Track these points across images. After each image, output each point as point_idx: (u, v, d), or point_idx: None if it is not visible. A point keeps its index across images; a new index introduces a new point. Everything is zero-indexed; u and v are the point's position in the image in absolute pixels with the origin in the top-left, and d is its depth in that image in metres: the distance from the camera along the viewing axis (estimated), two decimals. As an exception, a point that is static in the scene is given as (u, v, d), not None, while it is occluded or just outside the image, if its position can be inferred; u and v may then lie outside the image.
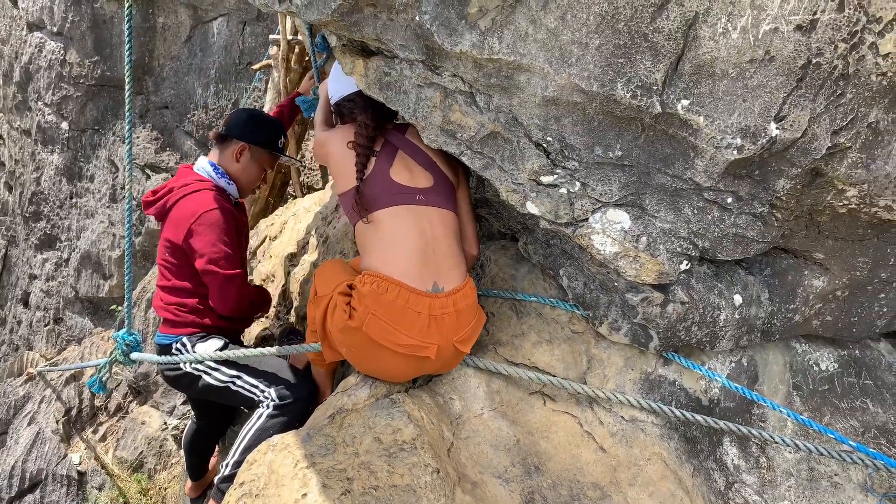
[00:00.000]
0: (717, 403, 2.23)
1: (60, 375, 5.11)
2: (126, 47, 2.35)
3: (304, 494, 1.62)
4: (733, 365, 2.27)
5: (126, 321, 2.67)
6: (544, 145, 1.93)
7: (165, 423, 4.43)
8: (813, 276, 2.18)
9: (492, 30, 1.74)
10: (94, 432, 4.81)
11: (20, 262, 8.84)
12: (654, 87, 1.76)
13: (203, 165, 2.64)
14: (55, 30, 7.55)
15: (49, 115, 7.96)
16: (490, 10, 1.71)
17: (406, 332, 1.96)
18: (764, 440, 2.17)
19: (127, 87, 2.43)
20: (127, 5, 2.28)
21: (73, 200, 8.29)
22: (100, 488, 4.50)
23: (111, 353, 2.74)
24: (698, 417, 2.07)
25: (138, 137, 7.58)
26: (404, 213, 2.07)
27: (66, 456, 4.67)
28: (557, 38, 1.73)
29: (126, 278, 2.60)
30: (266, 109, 4.52)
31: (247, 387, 2.39)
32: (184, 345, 2.49)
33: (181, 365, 2.46)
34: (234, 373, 2.42)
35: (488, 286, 2.45)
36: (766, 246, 2.03)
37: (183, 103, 7.33)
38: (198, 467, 3.13)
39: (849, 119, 1.79)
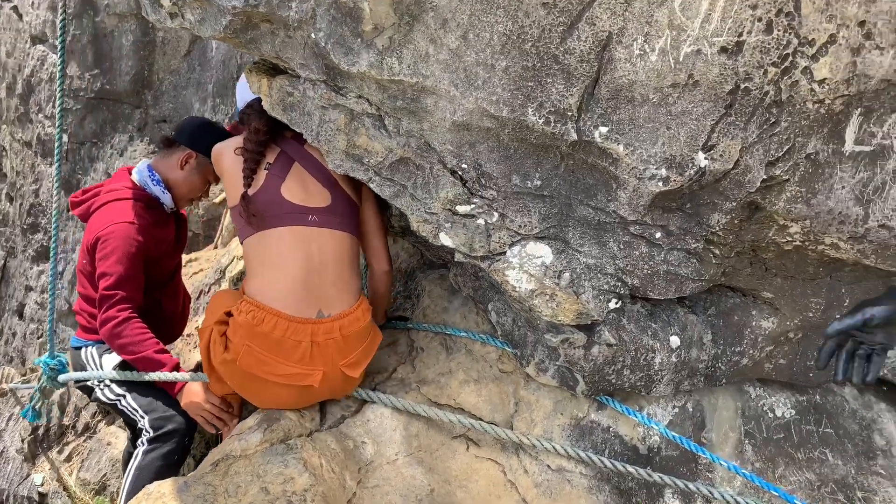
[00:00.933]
0: (658, 452, 2.05)
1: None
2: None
3: (168, 553, 1.48)
4: (676, 410, 2.10)
5: (49, 344, 2.57)
6: (460, 173, 1.79)
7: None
8: (761, 316, 2.01)
9: (390, 49, 1.61)
10: (60, 452, 4.71)
11: (18, 273, 8.86)
12: (569, 113, 1.62)
13: (141, 171, 2.53)
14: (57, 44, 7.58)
15: (49, 127, 7.98)
16: (386, 29, 1.58)
17: (285, 361, 1.87)
18: (709, 496, 2.00)
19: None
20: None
21: (70, 213, 8.30)
22: (59, 511, 4.39)
23: (39, 379, 2.64)
24: (630, 469, 1.90)
25: (135, 150, 7.58)
26: (292, 235, 1.95)
27: (28, 476, 4.57)
28: (461, 58, 1.60)
29: (49, 300, 2.50)
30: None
31: (129, 409, 2.29)
32: (91, 353, 2.41)
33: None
34: (121, 392, 2.31)
35: (420, 318, 2.31)
36: (703, 284, 1.87)
37: (181, 117, 7.31)
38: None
39: (785, 149, 1.63)
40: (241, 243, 2.05)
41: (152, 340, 2.24)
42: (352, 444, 1.91)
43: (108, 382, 2.33)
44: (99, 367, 2.40)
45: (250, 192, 2.00)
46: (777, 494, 1.91)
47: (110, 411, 2.53)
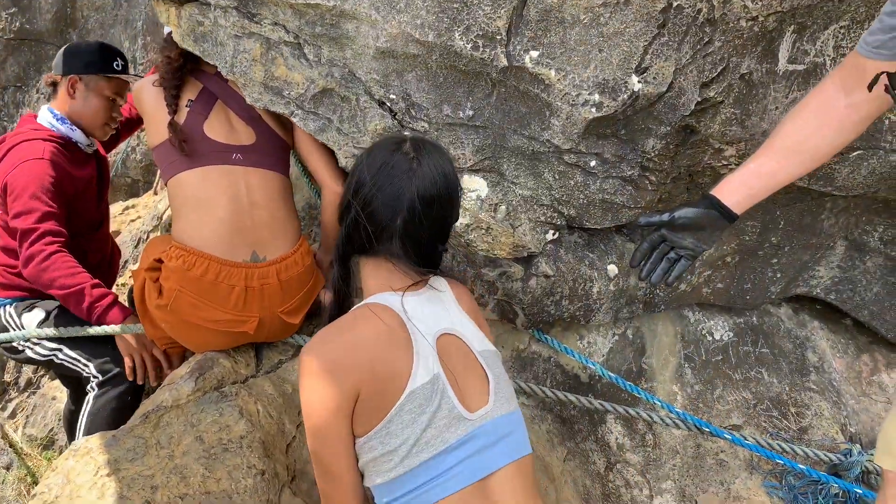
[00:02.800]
0: (599, 379, 2.08)
1: (-31, 350, 4.86)
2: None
3: (98, 508, 1.44)
4: (617, 337, 2.11)
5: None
6: (388, 104, 1.71)
7: (76, 399, 4.24)
8: (698, 242, 2.01)
9: (303, -30, 1.49)
10: (3, 409, 4.59)
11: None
12: (498, 37, 1.54)
13: (44, 114, 2.40)
14: (-31, -19, 7.03)
15: (-36, 71, 7.49)
16: (297, -53, 1.46)
17: (219, 307, 1.81)
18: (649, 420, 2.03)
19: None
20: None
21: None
22: (7, 468, 4.30)
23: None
24: (572, 397, 1.92)
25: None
26: (216, 174, 1.86)
27: (-29, 435, 4.45)
28: (380, -21, 1.49)
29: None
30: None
31: (69, 360, 2.20)
32: (8, 312, 2.29)
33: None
34: (54, 346, 2.21)
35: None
36: (640, 211, 1.85)
37: (110, 57, 6.94)
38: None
39: (719, 70, 1.59)
40: (166, 185, 1.95)
41: (86, 274, 2.13)
42: (290, 388, 1.88)
43: (36, 340, 2.22)
44: (19, 326, 2.29)
45: (174, 118, 1.89)
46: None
47: (46, 368, 2.42)
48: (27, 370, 4.78)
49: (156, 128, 1.93)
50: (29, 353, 2.27)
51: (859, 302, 2.24)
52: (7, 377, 4.82)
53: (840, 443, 2.10)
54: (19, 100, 7.72)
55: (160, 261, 1.87)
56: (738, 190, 1.39)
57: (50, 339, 2.22)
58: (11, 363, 4.86)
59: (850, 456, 1.98)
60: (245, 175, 1.89)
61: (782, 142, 1.36)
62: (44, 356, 2.26)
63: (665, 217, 1.43)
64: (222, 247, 1.85)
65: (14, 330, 2.28)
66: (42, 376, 4.85)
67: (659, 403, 1.94)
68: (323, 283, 2.05)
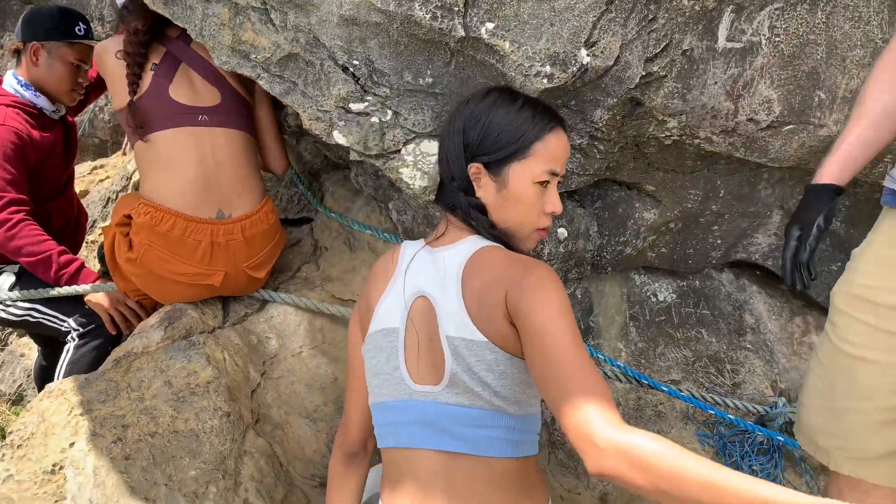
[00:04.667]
0: (549, 336, 2.21)
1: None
2: None
3: (72, 444, 1.54)
4: (567, 298, 2.24)
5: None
6: (351, 69, 1.79)
7: (45, 355, 4.28)
8: (644, 208, 2.15)
9: (269, -62, 1.56)
10: (-29, 366, 4.60)
11: None
12: (456, 8, 1.63)
13: (8, 80, 2.41)
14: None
15: (-77, 24, 7.29)
16: (264, -85, 1.53)
17: (186, 261, 1.91)
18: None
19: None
20: None
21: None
22: (-24, 422, 4.35)
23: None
24: (522, 352, 2.05)
25: (27, 51, 7.06)
26: (182, 136, 1.94)
27: (-61, 390, 4.48)
28: (344, -51, 1.57)
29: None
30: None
31: (46, 318, 2.28)
32: None
33: None
34: (28, 306, 2.29)
35: (324, 220, 2.34)
36: (589, 178, 1.97)
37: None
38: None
39: (662, 46, 1.70)
40: (132, 147, 2.01)
41: (52, 242, 2.20)
42: (255, 340, 1.98)
43: (9, 302, 2.28)
44: None
45: (137, 95, 1.95)
46: (648, 383, 2.09)
47: (19, 328, 2.47)
48: (-5, 327, 4.80)
49: (121, 94, 1.98)
50: (2, 314, 2.32)
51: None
52: (-26, 334, 4.83)
53: (769, 396, 2.27)
54: (-17, 58, 7.56)
55: (129, 217, 1.95)
56: (846, 167, 1.44)
57: (23, 301, 2.28)
58: (-22, 321, 4.86)
59: (776, 408, 2.15)
60: (210, 135, 1.96)
61: (872, 108, 1.41)
62: (18, 317, 2.31)
63: (815, 235, 1.44)
64: (189, 204, 1.93)
65: None
66: (10, 334, 4.87)
67: (603, 357, 2.08)
68: (285, 238, 2.15)
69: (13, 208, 2.17)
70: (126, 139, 5.24)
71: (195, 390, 1.70)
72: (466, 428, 1.22)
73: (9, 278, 2.31)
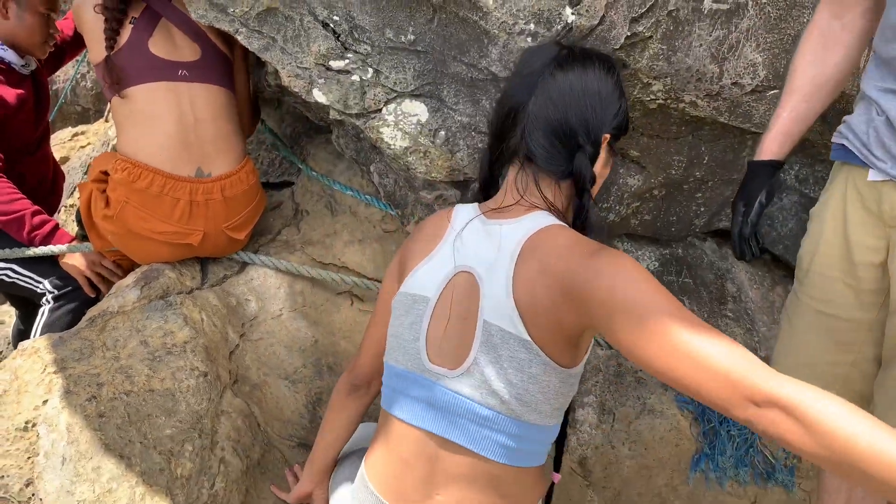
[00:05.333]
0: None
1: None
2: None
3: (45, 401, 1.52)
4: (549, 264, 2.24)
5: None
6: (332, 25, 1.75)
7: (24, 323, 4.24)
8: (628, 174, 2.13)
9: None
10: (-50, 333, 4.55)
11: None
12: (438, -38, 1.60)
13: None
14: None
15: None
16: None
17: (164, 219, 1.88)
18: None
19: None
20: None
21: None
22: (-44, 390, 4.31)
23: None
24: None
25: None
26: (161, 90, 1.91)
27: (-83, 358, 4.43)
28: None
29: None
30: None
31: (22, 278, 2.24)
32: None
33: None
34: (3, 266, 2.25)
35: (304, 182, 2.32)
36: (573, 142, 1.95)
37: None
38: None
39: (648, 6, 1.67)
40: (109, 102, 1.97)
41: (26, 201, 2.15)
42: (234, 301, 1.96)
43: None
44: None
45: (114, 49, 1.91)
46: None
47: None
48: (-26, 295, 4.74)
49: (97, 49, 1.94)
50: None
51: (776, 237, 2.40)
52: (-48, 302, 4.77)
53: (748, 364, 2.29)
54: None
55: (106, 173, 1.91)
56: (784, 142, 1.52)
57: None
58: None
59: (755, 375, 2.16)
60: (190, 90, 1.93)
61: (801, 81, 1.49)
62: None
63: (757, 211, 1.52)
64: (168, 161, 1.90)
65: None
66: (-10, 301, 4.81)
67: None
68: (266, 201, 2.12)
69: None
70: (108, 107, 5.16)
71: (171, 350, 1.68)
72: (471, 423, 1.15)
73: None
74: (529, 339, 1.10)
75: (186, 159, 1.93)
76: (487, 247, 1.19)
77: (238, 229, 2.02)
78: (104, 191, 1.92)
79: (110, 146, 3.87)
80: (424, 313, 1.22)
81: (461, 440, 1.16)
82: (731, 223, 1.58)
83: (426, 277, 1.24)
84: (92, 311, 1.80)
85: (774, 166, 1.52)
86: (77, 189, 3.02)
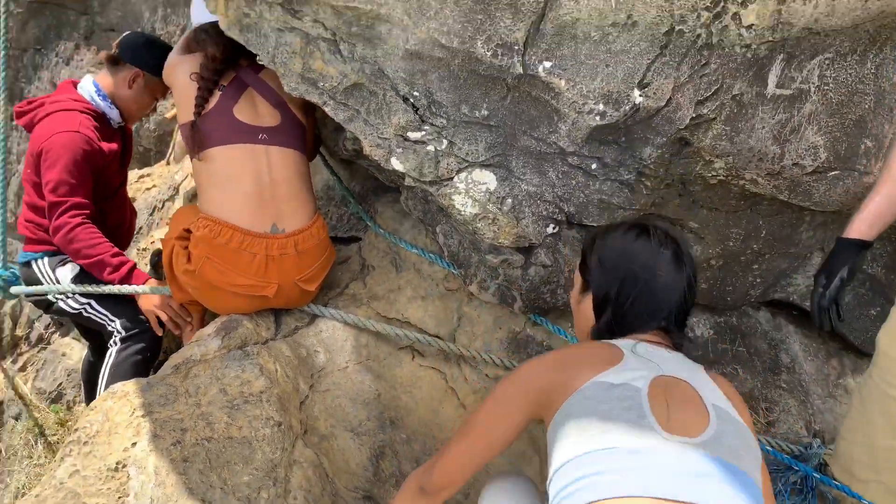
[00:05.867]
0: (587, 365, 2.26)
1: (-17, 304, 5.03)
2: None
3: (134, 444, 1.62)
4: (605, 328, 2.29)
5: (1, 255, 2.62)
6: (411, 100, 1.88)
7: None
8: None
9: (346, -24, 1.66)
10: (14, 362, 4.77)
11: (-40, 183, 8.62)
12: (516, 47, 1.71)
13: (85, 85, 2.55)
14: (-9, -60, 7.15)
15: (-13, 31, 7.61)
16: (342, -45, 1.63)
17: (242, 273, 2.01)
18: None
19: None
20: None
21: (14, 123, 8.04)
22: (17, 418, 4.49)
23: (-9, 289, 2.69)
24: (560, 379, 2.10)
25: (82, 60, 7.32)
26: (241, 152, 2.07)
27: (-18, 384, 4.63)
28: (414, -12, 1.66)
29: (0, 211, 2.55)
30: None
31: (97, 314, 2.42)
32: (42, 266, 2.47)
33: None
34: (84, 301, 2.42)
35: (372, 239, 2.43)
36: (634, 213, 2.02)
37: (130, 27, 7.02)
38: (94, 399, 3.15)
39: (713, 90, 1.76)
40: (192, 161, 2.12)
41: (107, 244, 2.34)
42: (305, 353, 2.06)
43: (70, 294, 2.41)
44: (54, 280, 2.47)
45: (202, 112, 2.09)
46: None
47: (71, 321, 2.62)
48: (39, 326, 4.96)
49: (185, 110, 2.11)
50: (62, 304, 2.45)
51: (832, 310, 2.41)
52: (19, 332, 4.99)
53: (803, 437, 2.29)
54: (38, 62, 7.84)
55: (188, 231, 2.07)
56: (874, 224, 1.60)
57: (82, 294, 2.40)
58: (24, 318, 5.03)
59: (811, 448, 2.17)
60: (267, 153, 2.10)
61: None
62: (75, 309, 2.44)
63: (836, 293, 1.60)
64: (245, 218, 2.04)
65: (48, 283, 2.46)
66: (53, 333, 5.02)
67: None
68: (335, 255, 2.25)
69: (74, 212, 2.31)
70: (171, 148, 5.42)
71: (248, 399, 1.78)
72: (737, 478, 1.12)
73: (73, 269, 2.44)
74: (745, 424, 1.23)
75: (262, 216, 2.06)
76: (672, 359, 1.29)
77: (309, 281, 2.12)
78: (186, 247, 2.07)
79: (178, 192, 4.07)
80: (640, 397, 1.18)
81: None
82: (811, 294, 1.66)
83: (617, 375, 1.22)
84: (175, 358, 1.91)
85: (861, 246, 1.58)
86: (151, 236, 3.19)
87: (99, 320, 2.43)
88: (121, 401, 1.73)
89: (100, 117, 2.55)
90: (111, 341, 2.41)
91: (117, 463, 1.58)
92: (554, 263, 2.02)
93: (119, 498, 1.51)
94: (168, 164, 5.53)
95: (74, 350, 4.71)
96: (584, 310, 1.48)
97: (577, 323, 1.55)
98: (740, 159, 1.87)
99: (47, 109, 2.49)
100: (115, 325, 2.40)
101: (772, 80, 1.77)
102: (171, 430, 1.65)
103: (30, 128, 2.53)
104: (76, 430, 1.68)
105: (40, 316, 4.95)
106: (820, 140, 1.85)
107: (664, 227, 1.49)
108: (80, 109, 2.49)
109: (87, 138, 2.39)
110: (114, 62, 2.60)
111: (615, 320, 1.39)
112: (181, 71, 2.16)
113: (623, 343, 1.32)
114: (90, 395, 3.13)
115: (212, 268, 2.02)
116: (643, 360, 1.25)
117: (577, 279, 1.53)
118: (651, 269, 1.37)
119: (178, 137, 5.34)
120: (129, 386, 1.76)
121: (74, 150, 2.34)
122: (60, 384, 4.59)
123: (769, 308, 2.58)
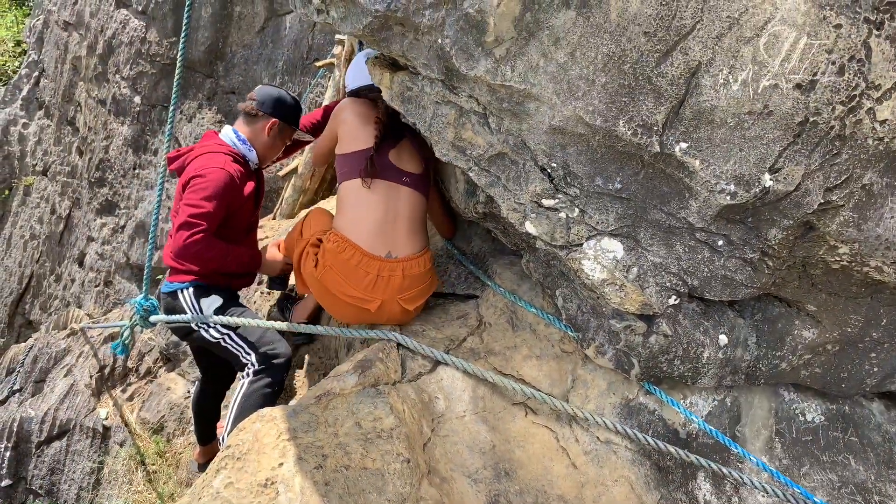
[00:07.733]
0: (696, 438, 2.29)
1: (100, 333, 5.42)
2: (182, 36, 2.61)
3: (281, 464, 1.77)
4: (716, 403, 2.33)
5: (144, 287, 2.89)
6: (549, 170, 2.04)
7: (189, 392, 4.66)
8: (803, 326, 2.23)
9: (506, 58, 1.86)
10: (123, 391, 5.08)
11: (81, 223, 9.34)
12: (655, 128, 1.86)
13: (227, 133, 2.86)
14: (140, 9, 8.00)
15: (124, 88, 8.41)
16: (505, 41, 1.83)
17: (355, 286, 2.40)
18: (739, 481, 2.22)
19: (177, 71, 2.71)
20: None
21: (136, 171, 8.74)
22: (121, 444, 4.76)
23: (131, 317, 2.95)
24: (670, 448, 2.14)
25: (203, 118, 7.99)
26: (384, 188, 2.46)
27: (94, 410, 4.95)
28: (566, 72, 1.84)
29: (149, 246, 2.83)
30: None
31: (235, 346, 2.66)
32: (188, 296, 2.70)
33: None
34: (225, 331, 2.65)
35: (489, 298, 2.57)
36: (755, 291, 2.09)
37: (249, 90, 7.66)
38: (205, 432, 3.32)
39: (843, 178, 1.84)
40: (339, 185, 2.53)
41: (239, 248, 2.72)
42: (427, 398, 2.18)
43: (211, 323, 2.64)
44: (198, 310, 2.70)
45: (363, 146, 2.50)
46: (798, 491, 2.13)
47: (208, 349, 2.84)
48: (148, 359, 5.29)
49: (350, 141, 2.52)
50: (203, 333, 2.68)
51: (952, 407, 2.37)
52: (130, 363, 5.33)
53: (920, 536, 2.22)
54: (164, 118, 8.58)
55: (321, 240, 2.47)
56: None
57: (222, 325, 2.63)
58: (136, 351, 5.38)
59: (930, 548, 2.10)
60: (402, 193, 2.50)
61: None
62: (215, 338, 2.67)
63: None
64: (368, 242, 2.42)
65: (192, 312, 2.70)
66: (160, 367, 5.34)
67: (754, 460, 2.13)
68: (437, 283, 2.59)
69: (201, 236, 2.55)
70: (278, 205, 5.80)
71: (381, 434, 1.91)
72: None
73: (216, 300, 2.67)
74: None
75: (381, 243, 2.44)
76: None
77: (410, 301, 2.45)
78: (315, 253, 2.46)
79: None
80: None
81: None
82: None
83: None
84: (315, 390, 2.07)
85: None
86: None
87: (235, 351, 2.64)
88: (268, 424, 1.89)
89: (240, 160, 2.84)
90: (244, 372, 2.60)
91: (266, 479, 1.72)
92: (674, 334, 2.09)
93: (269, 511, 1.64)
94: (274, 218, 5.90)
95: (179, 385, 4.99)
96: None
97: None
98: (866, 247, 1.93)
99: (198, 152, 2.80)
100: (251, 357, 2.61)
101: (903, 172, 1.84)
102: (314, 455, 1.79)
103: (180, 171, 2.84)
104: (228, 446, 1.84)
105: (151, 350, 5.29)
106: (950, 233, 1.89)
107: None
108: (225, 152, 2.79)
109: (231, 175, 2.67)
110: (251, 114, 2.91)
111: None
112: (351, 110, 2.57)
113: None
114: (202, 419, 3.32)
115: (331, 277, 2.42)
116: None
117: None
118: None
119: (285, 195, 5.71)
120: (276, 412, 1.92)
121: (220, 184, 2.61)
122: (163, 416, 4.86)
123: (883, 399, 2.55)
